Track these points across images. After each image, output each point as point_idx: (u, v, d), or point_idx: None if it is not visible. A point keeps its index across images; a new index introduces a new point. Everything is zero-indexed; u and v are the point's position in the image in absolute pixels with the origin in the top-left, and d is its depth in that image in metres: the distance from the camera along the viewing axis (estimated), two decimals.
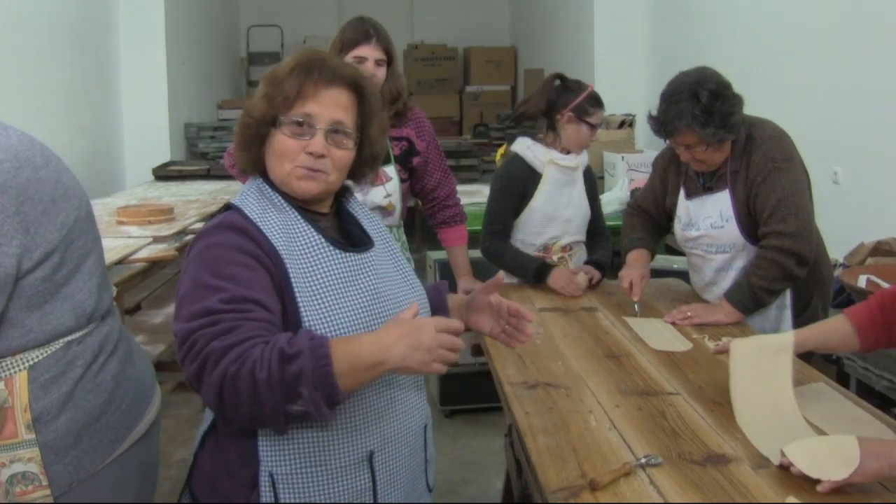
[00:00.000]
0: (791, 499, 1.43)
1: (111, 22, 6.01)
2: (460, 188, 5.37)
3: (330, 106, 1.45)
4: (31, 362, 1.45)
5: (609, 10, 6.45)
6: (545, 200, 2.92)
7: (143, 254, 3.18)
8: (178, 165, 6.00)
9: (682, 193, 2.62)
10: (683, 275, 3.33)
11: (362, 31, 2.67)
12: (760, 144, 2.41)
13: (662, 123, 2.41)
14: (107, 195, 5.01)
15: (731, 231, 2.48)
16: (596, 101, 2.96)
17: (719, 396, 1.88)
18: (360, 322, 1.44)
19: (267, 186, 1.50)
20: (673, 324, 2.42)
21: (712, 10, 5.32)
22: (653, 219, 2.80)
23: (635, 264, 2.66)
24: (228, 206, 1.50)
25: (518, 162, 2.95)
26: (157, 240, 3.39)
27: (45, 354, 1.47)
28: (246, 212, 1.46)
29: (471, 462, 3.48)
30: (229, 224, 1.43)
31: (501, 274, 1.65)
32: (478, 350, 2.77)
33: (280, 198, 1.49)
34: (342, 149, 1.47)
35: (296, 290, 1.40)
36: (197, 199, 4.64)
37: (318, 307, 1.40)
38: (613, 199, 4.63)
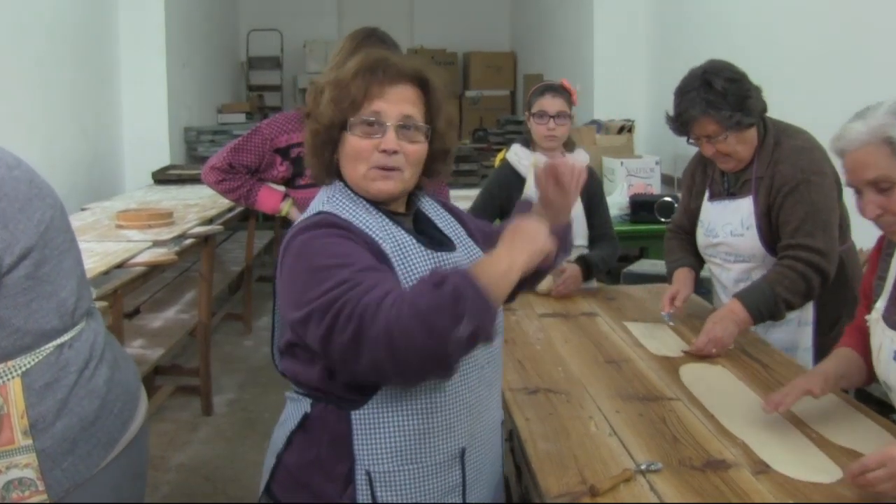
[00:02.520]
0: (791, 502, 1.43)
1: (111, 26, 6.02)
2: (460, 193, 5.39)
3: (397, 102, 1.44)
4: (24, 369, 1.47)
5: (609, 15, 6.46)
6: None
7: (143, 258, 3.18)
8: (177, 169, 6.00)
9: (706, 195, 2.53)
10: None
11: (384, 46, 2.64)
12: (789, 154, 2.31)
13: (678, 117, 2.32)
14: (106, 199, 5.02)
15: (751, 240, 2.38)
16: (538, 92, 2.95)
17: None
18: None
19: (348, 189, 1.49)
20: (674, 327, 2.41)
21: (712, 16, 5.32)
22: (691, 237, 2.64)
23: (675, 283, 2.53)
24: (319, 213, 1.47)
25: (505, 168, 3.02)
26: (156, 244, 3.39)
27: (36, 360, 1.48)
28: (339, 213, 1.44)
29: None
30: (327, 222, 1.41)
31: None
32: None
33: (363, 200, 1.48)
34: (414, 143, 1.46)
35: (400, 277, 1.40)
36: (197, 202, 4.64)
37: None
38: (612, 204, 4.61)
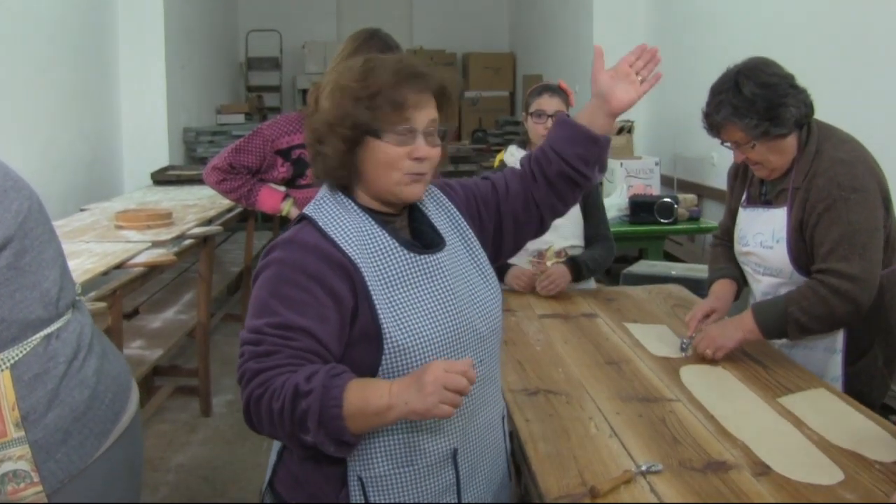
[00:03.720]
0: None
1: (110, 27, 6.01)
2: None
3: (425, 108, 1.47)
4: (12, 361, 1.48)
5: (608, 16, 6.46)
6: None
7: (142, 258, 3.18)
8: (176, 170, 6.00)
9: (743, 199, 2.39)
10: (682, 281, 3.33)
11: (387, 47, 2.64)
12: (828, 167, 2.11)
13: (706, 117, 2.19)
14: (105, 199, 5.02)
15: (780, 254, 2.21)
16: (536, 92, 2.99)
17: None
18: (440, 324, 1.44)
19: (340, 193, 1.51)
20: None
21: (711, 16, 5.33)
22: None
23: (711, 296, 2.37)
24: (302, 217, 1.50)
25: (503, 169, 3.02)
26: (155, 244, 3.38)
27: (24, 352, 1.49)
28: (319, 223, 1.46)
29: None
30: (300, 241, 1.44)
31: (600, 46, 1.63)
32: None
33: (353, 203, 1.50)
34: (436, 147, 1.49)
35: (373, 295, 1.42)
36: (195, 203, 4.64)
37: (395, 312, 1.42)
38: (612, 205, 4.63)
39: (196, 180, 5.61)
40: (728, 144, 2.20)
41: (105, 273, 2.95)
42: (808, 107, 2.15)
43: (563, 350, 2.28)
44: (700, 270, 2.79)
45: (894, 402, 2.60)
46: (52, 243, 1.58)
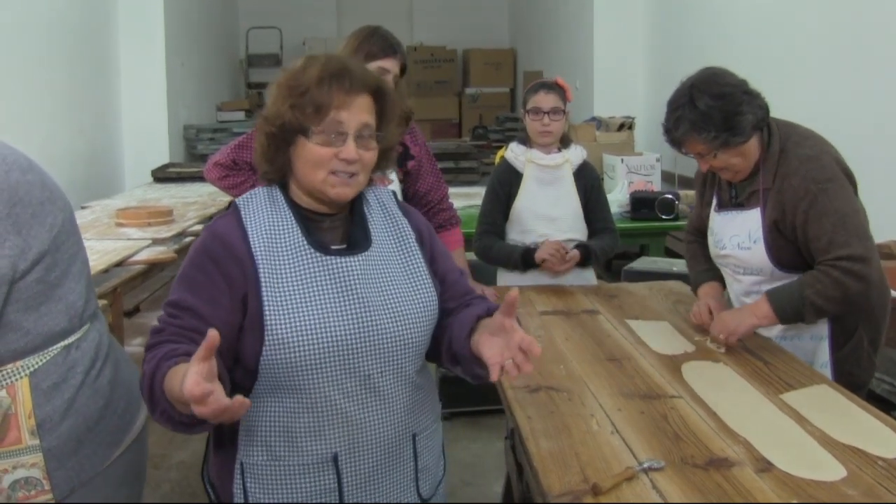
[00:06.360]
0: (794, 500, 1.43)
1: (111, 24, 6.01)
2: (460, 190, 5.39)
3: (358, 111, 1.48)
4: (32, 369, 1.47)
5: (608, 11, 6.46)
6: (528, 199, 3.00)
7: (143, 256, 3.18)
8: (177, 167, 6.00)
9: (714, 204, 2.43)
10: (683, 277, 3.32)
11: (387, 45, 2.67)
12: (798, 166, 2.17)
13: (666, 133, 2.25)
14: (106, 197, 5.02)
15: (759, 253, 2.26)
16: (533, 89, 3.00)
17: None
18: (332, 324, 1.45)
19: (277, 190, 1.55)
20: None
21: (712, 12, 5.32)
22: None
23: (705, 297, 2.42)
24: (231, 209, 1.56)
25: (504, 164, 3.10)
26: (156, 241, 3.39)
27: (44, 360, 1.48)
28: (241, 213, 1.52)
29: (471, 465, 3.47)
30: (213, 229, 1.52)
31: (515, 291, 1.41)
32: None
33: (283, 199, 1.53)
34: (369, 150, 1.50)
35: (263, 290, 1.45)
36: (196, 200, 4.64)
37: (283, 305, 1.44)
38: (613, 201, 4.60)
39: (197, 177, 5.60)
40: (691, 155, 2.26)
41: (106, 271, 2.95)
42: (764, 110, 2.20)
43: (564, 347, 2.28)
44: None
45: (894, 397, 2.60)
46: (80, 255, 1.58)
